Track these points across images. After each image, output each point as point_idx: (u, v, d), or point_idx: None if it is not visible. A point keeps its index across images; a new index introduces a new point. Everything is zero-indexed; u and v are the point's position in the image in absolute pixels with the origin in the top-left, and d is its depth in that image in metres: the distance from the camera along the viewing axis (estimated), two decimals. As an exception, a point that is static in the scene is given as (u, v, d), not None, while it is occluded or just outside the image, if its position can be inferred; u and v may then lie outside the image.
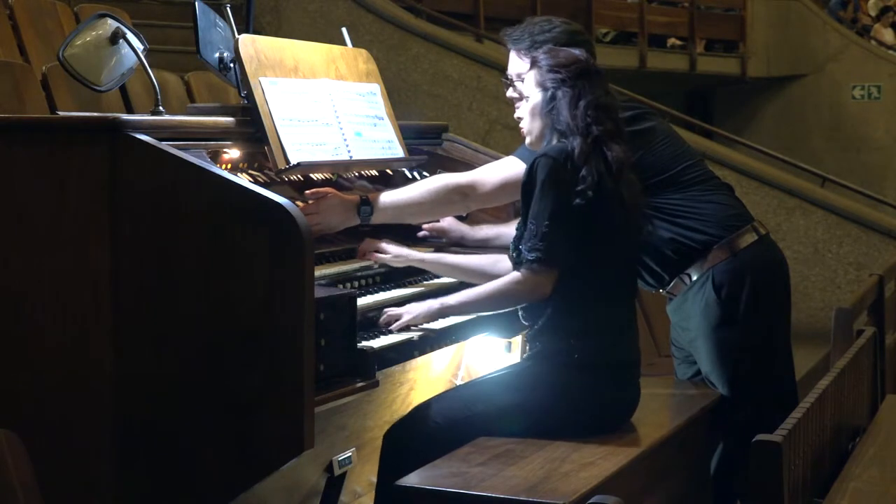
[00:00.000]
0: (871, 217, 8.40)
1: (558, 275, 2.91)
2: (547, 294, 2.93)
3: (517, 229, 3.00)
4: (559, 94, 2.99)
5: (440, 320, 3.08)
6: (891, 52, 14.09)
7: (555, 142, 2.99)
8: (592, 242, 2.92)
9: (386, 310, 3.06)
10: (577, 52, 3.07)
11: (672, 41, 13.13)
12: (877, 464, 2.89)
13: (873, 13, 15.03)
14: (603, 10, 11.95)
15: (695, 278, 3.32)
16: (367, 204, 3.21)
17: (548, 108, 3.00)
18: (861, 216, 8.77)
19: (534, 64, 3.07)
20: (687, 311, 3.37)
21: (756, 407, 3.28)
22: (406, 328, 3.01)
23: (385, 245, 3.21)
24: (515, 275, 2.94)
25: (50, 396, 2.67)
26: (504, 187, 3.31)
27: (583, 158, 2.90)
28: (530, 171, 2.92)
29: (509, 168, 3.31)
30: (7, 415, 2.62)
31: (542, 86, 3.03)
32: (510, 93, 3.25)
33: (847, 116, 13.55)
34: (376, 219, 3.24)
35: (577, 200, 2.87)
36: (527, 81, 3.08)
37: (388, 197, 3.26)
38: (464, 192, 3.30)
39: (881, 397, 3.83)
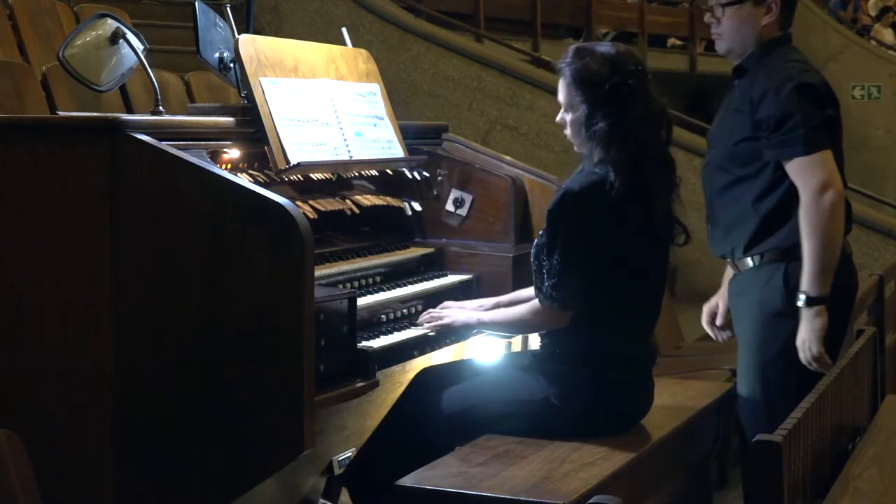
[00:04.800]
0: (871, 217, 8.39)
1: (576, 310, 2.92)
2: (564, 325, 2.95)
3: (536, 244, 3.00)
4: (596, 118, 2.91)
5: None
6: (891, 52, 14.08)
7: (594, 160, 2.94)
8: (618, 261, 2.91)
9: (429, 310, 3.18)
10: (604, 66, 2.94)
11: (672, 41, 13.12)
12: (877, 464, 2.88)
13: (873, 13, 15.03)
14: (603, 10, 11.94)
15: (766, 261, 3.19)
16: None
17: (585, 128, 2.94)
18: (861, 216, 8.75)
19: (563, 76, 2.99)
20: (744, 288, 3.26)
21: (783, 402, 3.18)
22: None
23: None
24: (536, 305, 2.96)
25: (50, 396, 2.67)
26: None
27: (620, 195, 2.86)
28: (559, 202, 2.89)
29: None
30: (7, 415, 2.62)
31: (571, 106, 2.97)
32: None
33: (847, 116, 13.42)
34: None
35: (612, 236, 2.87)
36: (562, 93, 3.02)
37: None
38: None
39: (881, 397, 3.83)
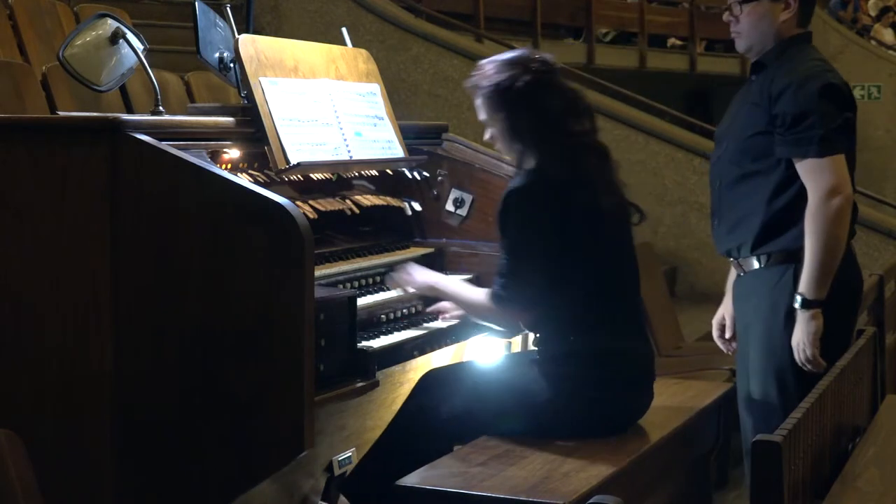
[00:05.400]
0: (871, 217, 8.37)
1: (529, 310, 2.95)
2: (520, 324, 3.01)
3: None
4: (518, 120, 2.96)
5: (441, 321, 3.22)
6: (891, 52, 14.08)
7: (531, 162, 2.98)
8: (575, 251, 2.92)
9: (393, 272, 3.20)
10: (512, 69, 3.00)
11: (672, 41, 13.12)
12: (877, 464, 2.88)
13: (873, 13, 15.03)
14: (603, 10, 11.94)
15: (773, 262, 3.17)
16: None
17: (512, 134, 2.99)
18: (861, 216, 8.72)
19: (476, 95, 3.05)
20: (751, 289, 3.23)
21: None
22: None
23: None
24: (486, 299, 2.98)
25: (50, 396, 2.67)
26: None
27: (561, 185, 2.90)
28: (503, 204, 2.93)
29: None
30: (7, 415, 2.62)
31: (493, 119, 3.02)
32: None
33: (847, 116, 13.49)
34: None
35: (568, 227, 2.89)
36: (481, 112, 3.06)
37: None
38: None
39: (881, 397, 3.83)
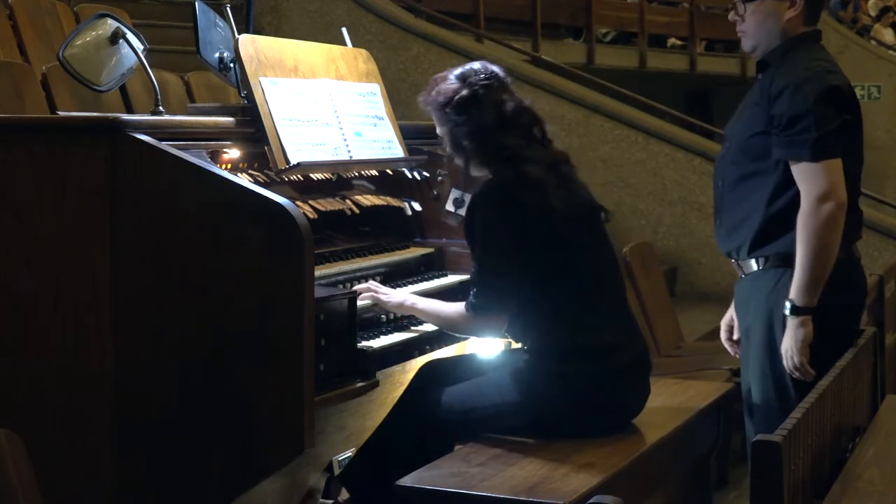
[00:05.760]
0: (871, 217, 8.36)
1: (505, 314, 2.95)
2: (499, 331, 3.01)
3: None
4: (461, 133, 3.01)
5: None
6: (891, 52, 14.07)
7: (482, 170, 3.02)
8: (545, 252, 2.93)
9: (361, 284, 3.15)
10: (454, 83, 3.05)
11: (672, 41, 13.12)
12: (877, 464, 2.88)
13: (873, 13, 15.03)
14: (603, 10, 11.93)
15: (770, 265, 3.15)
16: None
17: (457, 146, 3.04)
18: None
19: (429, 111, 3.09)
20: (751, 292, 3.21)
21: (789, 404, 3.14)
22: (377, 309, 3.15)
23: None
24: (463, 311, 2.98)
25: (50, 396, 2.68)
26: None
27: (512, 191, 2.92)
28: (468, 215, 2.97)
29: None
30: (7, 415, 2.63)
31: (444, 132, 3.07)
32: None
33: (847, 116, 13.48)
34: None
35: (528, 229, 2.90)
36: (437, 127, 3.11)
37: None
38: None
39: (881, 397, 3.83)
